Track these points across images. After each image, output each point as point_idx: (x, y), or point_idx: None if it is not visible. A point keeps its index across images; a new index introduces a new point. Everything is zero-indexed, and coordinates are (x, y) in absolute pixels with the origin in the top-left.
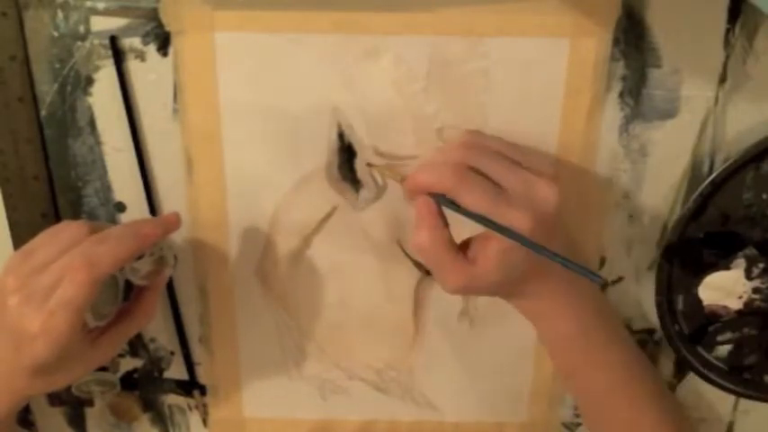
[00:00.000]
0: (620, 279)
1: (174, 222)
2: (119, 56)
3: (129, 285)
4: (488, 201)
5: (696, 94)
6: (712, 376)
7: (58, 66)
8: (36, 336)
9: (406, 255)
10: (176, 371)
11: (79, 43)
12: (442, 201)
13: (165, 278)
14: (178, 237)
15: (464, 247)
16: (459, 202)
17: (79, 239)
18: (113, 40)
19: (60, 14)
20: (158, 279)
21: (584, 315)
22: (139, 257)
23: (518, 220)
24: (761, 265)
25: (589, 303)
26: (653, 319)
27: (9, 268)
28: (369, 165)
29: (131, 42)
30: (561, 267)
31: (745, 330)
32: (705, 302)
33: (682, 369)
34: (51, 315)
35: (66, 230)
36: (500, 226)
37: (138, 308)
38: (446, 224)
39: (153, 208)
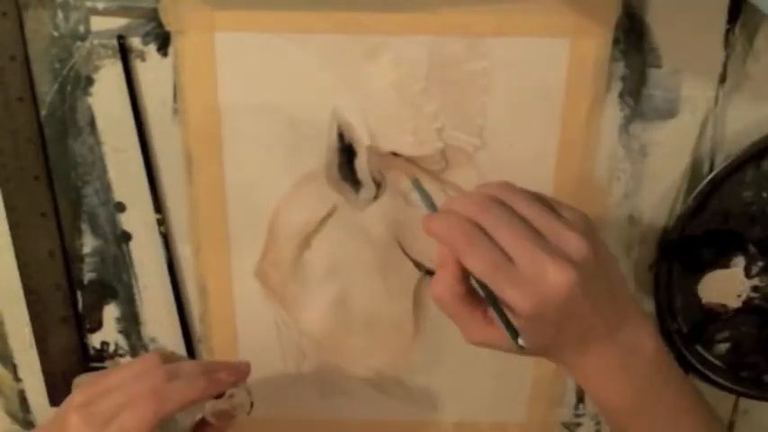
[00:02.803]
0: None
1: (247, 372)
2: (126, 55)
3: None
4: (490, 271)
5: (696, 94)
6: (711, 375)
7: (58, 66)
8: None
9: (406, 254)
10: None
11: (79, 43)
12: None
13: (235, 422)
14: (181, 239)
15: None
16: (463, 263)
17: (151, 368)
18: (120, 39)
19: (60, 14)
20: (228, 422)
21: (643, 388)
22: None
23: (516, 299)
24: (760, 264)
25: (639, 358)
26: (653, 319)
27: (81, 384)
28: (415, 180)
29: (132, 42)
30: (611, 333)
31: (744, 329)
32: (704, 301)
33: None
34: None
35: (142, 359)
36: (492, 298)
37: None
38: (466, 276)
39: (153, 208)
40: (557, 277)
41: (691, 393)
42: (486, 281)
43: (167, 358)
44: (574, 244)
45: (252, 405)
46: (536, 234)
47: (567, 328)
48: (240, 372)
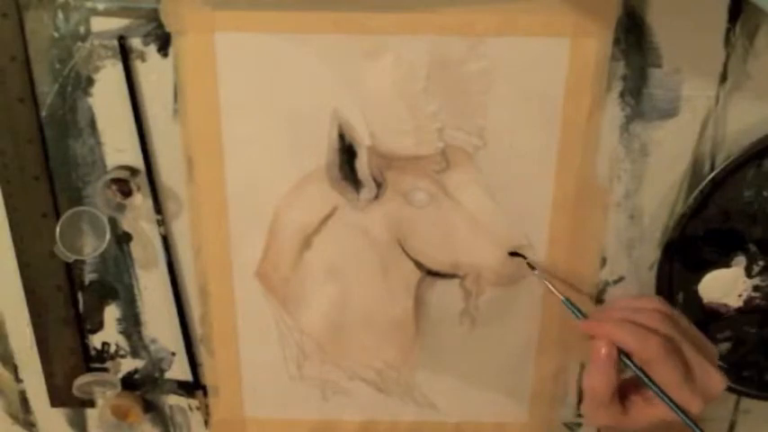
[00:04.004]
0: (620, 279)
1: None
2: (126, 55)
3: None
4: (681, 381)
5: (697, 94)
6: None
7: (58, 66)
8: None
9: (407, 254)
10: (177, 371)
11: (79, 44)
12: (623, 357)
13: None
14: (181, 239)
15: (621, 391)
16: (650, 368)
17: None
18: (121, 40)
19: (61, 15)
20: None
21: None
22: None
23: (694, 404)
24: (761, 263)
25: None
26: None
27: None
28: (549, 284)
29: (132, 43)
30: None
31: (745, 328)
32: (705, 300)
33: None
34: None
35: None
36: (681, 411)
37: None
38: (619, 374)
39: (154, 208)
40: (717, 380)
41: None
42: (672, 391)
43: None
44: (714, 360)
45: None
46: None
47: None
48: None
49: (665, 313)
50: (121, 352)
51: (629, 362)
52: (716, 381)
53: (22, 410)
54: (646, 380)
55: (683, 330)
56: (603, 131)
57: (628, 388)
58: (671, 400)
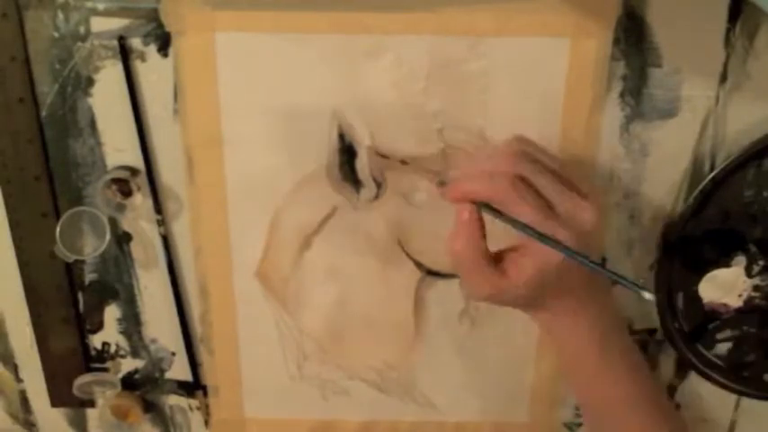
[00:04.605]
0: None
1: None
2: (126, 55)
3: None
4: (541, 215)
5: (697, 94)
6: (712, 374)
7: (58, 66)
8: None
9: (407, 255)
10: (177, 371)
11: (80, 44)
12: (484, 208)
13: None
14: (181, 239)
15: (496, 258)
16: (508, 211)
17: None
18: (121, 40)
19: (61, 15)
20: None
21: (600, 330)
22: None
23: (563, 236)
24: (761, 263)
25: (605, 319)
26: (654, 319)
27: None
28: (403, 162)
29: (132, 43)
30: (579, 285)
31: (745, 328)
32: (705, 300)
33: (682, 369)
34: None
35: None
36: (548, 236)
37: None
38: (484, 234)
39: (154, 208)
40: (589, 213)
41: (636, 349)
42: (534, 223)
43: None
44: (590, 193)
45: None
46: (563, 180)
47: (569, 272)
48: None
49: (517, 152)
50: (121, 352)
51: (486, 210)
52: (588, 212)
53: (22, 410)
54: (506, 221)
55: (539, 167)
56: (603, 131)
57: (501, 254)
58: (536, 232)
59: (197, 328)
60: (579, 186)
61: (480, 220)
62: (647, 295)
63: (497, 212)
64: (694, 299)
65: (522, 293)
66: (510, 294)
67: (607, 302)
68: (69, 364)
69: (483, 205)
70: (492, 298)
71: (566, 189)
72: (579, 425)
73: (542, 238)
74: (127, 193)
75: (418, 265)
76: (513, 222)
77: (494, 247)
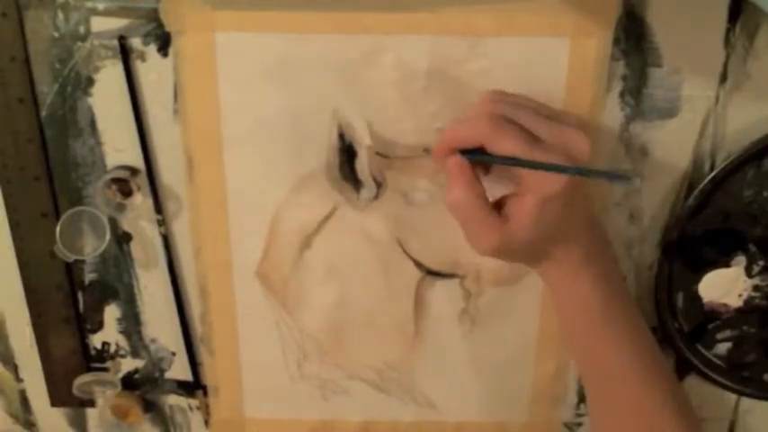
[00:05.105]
0: None
1: None
2: (126, 55)
3: None
4: (526, 146)
5: (697, 94)
6: (712, 374)
7: (58, 66)
8: None
9: (407, 254)
10: (177, 371)
11: (80, 44)
12: (473, 156)
13: None
14: (181, 239)
15: (496, 207)
16: (494, 149)
17: None
18: (121, 40)
19: (61, 15)
20: None
21: (602, 288)
22: None
23: (555, 160)
24: (761, 263)
25: (609, 277)
26: (654, 319)
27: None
28: (426, 150)
29: (132, 43)
30: (585, 236)
31: (745, 328)
32: (705, 300)
33: (682, 369)
34: None
35: None
36: (544, 163)
37: None
38: (479, 180)
39: (154, 208)
40: (580, 140)
41: (639, 315)
42: (525, 155)
43: None
44: (578, 124)
45: None
46: (548, 116)
47: (572, 213)
48: None
49: (492, 97)
50: (121, 352)
51: (473, 157)
52: (577, 139)
53: (22, 410)
54: (496, 161)
55: (518, 105)
56: (603, 131)
57: (499, 201)
58: (528, 162)
59: (197, 328)
60: (566, 118)
61: (471, 167)
62: (637, 182)
63: (484, 155)
64: (694, 299)
65: (528, 237)
66: (517, 240)
67: (611, 265)
68: (69, 364)
69: (473, 155)
70: (500, 249)
71: (551, 121)
72: (579, 425)
73: (534, 165)
74: (127, 193)
75: (418, 265)
76: (504, 160)
77: None
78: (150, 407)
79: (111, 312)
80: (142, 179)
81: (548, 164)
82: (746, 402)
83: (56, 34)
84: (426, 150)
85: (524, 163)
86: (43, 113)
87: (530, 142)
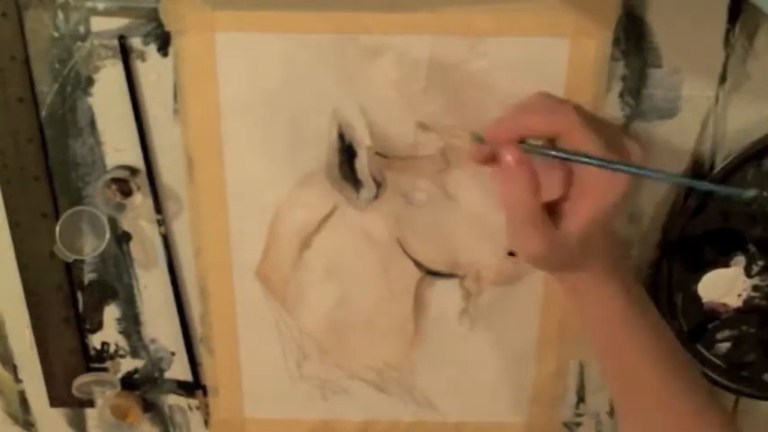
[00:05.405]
0: None
1: None
2: (126, 55)
3: None
4: (601, 143)
5: (696, 94)
6: (711, 374)
7: (58, 66)
8: None
9: (407, 254)
10: (177, 371)
11: (79, 44)
12: (533, 149)
13: None
14: (181, 239)
15: (547, 210)
16: (575, 145)
17: None
18: (121, 39)
19: (60, 15)
20: None
21: (626, 292)
22: None
23: (635, 153)
24: (760, 263)
25: (630, 282)
26: None
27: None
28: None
29: (132, 42)
30: (609, 243)
31: (744, 328)
32: (704, 300)
33: None
34: None
35: None
36: (616, 162)
37: None
38: (539, 180)
39: (154, 208)
40: (632, 143)
41: (658, 315)
42: (602, 153)
43: None
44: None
45: None
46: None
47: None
48: None
49: (545, 94)
50: (121, 352)
51: (531, 149)
52: (633, 147)
53: (22, 410)
54: (560, 157)
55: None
56: None
57: (549, 205)
58: (601, 160)
59: (197, 328)
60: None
61: (530, 162)
62: (751, 192)
63: (544, 149)
64: (694, 299)
65: (573, 247)
66: (561, 251)
67: (626, 270)
68: (69, 364)
69: (527, 148)
70: (543, 258)
71: (612, 124)
72: (579, 425)
73: (610, 163)
74: (127, 193)
75: (418, 264)
76: (575, 156)
77: None
78: (150, 407)
79: (111, 312)
80: (142, 179)
81: (653, 169)
82: (746, 402)
83: (56, 34)
84: (474, 134)
85: (600, 161)
86: (43, 113)
87: (605, 142)
